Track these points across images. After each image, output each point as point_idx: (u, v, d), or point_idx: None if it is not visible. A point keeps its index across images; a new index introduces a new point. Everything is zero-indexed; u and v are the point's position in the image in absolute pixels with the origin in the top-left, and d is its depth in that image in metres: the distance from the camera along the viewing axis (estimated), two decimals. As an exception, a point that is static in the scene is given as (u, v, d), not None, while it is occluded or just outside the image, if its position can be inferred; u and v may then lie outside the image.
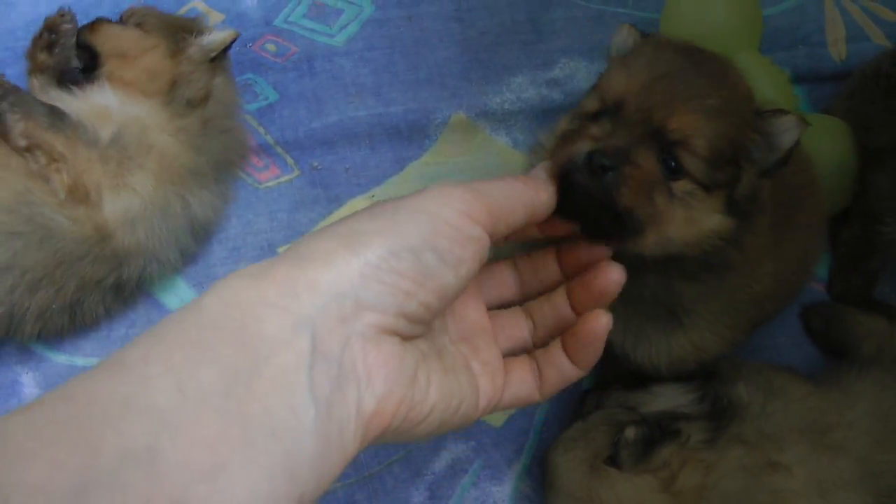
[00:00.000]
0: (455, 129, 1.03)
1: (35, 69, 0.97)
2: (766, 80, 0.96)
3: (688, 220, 0.63)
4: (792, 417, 0.76)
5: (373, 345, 0.45)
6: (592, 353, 0.58)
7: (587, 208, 0.60)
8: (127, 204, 0.87)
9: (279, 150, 1.02)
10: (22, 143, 0.85)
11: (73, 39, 0.97)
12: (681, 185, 0.62)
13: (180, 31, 0.96)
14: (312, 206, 0.99)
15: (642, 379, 0.82)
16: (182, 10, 1.10)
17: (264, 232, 0.98)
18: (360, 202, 0.99)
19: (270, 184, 1.00)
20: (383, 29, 1.09)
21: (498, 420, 0.87)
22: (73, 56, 0.96)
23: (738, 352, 0.81)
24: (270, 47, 1.08)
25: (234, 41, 0.97)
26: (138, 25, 0.95)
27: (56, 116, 0.86)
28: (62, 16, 0.98)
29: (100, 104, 0.90)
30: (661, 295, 0.71)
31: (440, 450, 0.86)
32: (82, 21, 1.07)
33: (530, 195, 0.55)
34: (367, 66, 1.07)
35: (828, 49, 1.10)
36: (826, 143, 0.93)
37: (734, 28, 0.98)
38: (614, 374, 0.87)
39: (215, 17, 1.09)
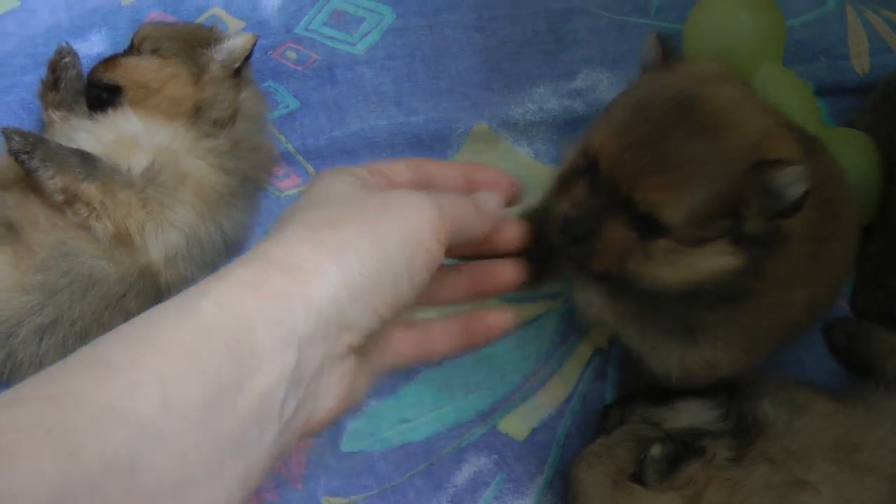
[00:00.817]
0: (477, 140, 1.03)
1: (49, 106, 0.95)
2: (790, 93, 0.95)
3: (679, 268, 0.61)
4: (818, 435, 0.76)
5: (339, 363, 0.47)
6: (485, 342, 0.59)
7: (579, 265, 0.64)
8: (171, 241, 0.86)
9: (300, 158, 1.02)
10: (59, 198, 0.82)
11: (74, 71, 0.95)
12: (661, 245, 0.60)
13: (197, 45, 0.93)
14: (333, 216, 0.99)
15: (666, 394, 0.81)
16: (202, 18, 1.09)
17: (285, 241, 0.97)
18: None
19: (291, 192, 1.00)
20: (404, 37, 1.09)
21: (521, 433, 0.87)
22: (79, 87, 0.95)
23: (761, 367, 0.80)
24: (291, 55, 1.08)
25: (254, 45, 0.94)
26: (155, 52, 0.93)
27: (89, 163, 0.83)
28: (60, 54, 0.96)
29: (126, 132, 0.88)
30: (681, 314, 0.70)
31: (462, 462, 0.86)
32: (102, 28, 1.07)
33: (479, 222, 0.56)
34: (388, 74, 1.06)
35: (850, 61, 1.09)
36: (849, 156, 0.91)
37: (758, 39, 0.96)
38: (637, 388, 0.87)
39: (235, 25, 1.09)
